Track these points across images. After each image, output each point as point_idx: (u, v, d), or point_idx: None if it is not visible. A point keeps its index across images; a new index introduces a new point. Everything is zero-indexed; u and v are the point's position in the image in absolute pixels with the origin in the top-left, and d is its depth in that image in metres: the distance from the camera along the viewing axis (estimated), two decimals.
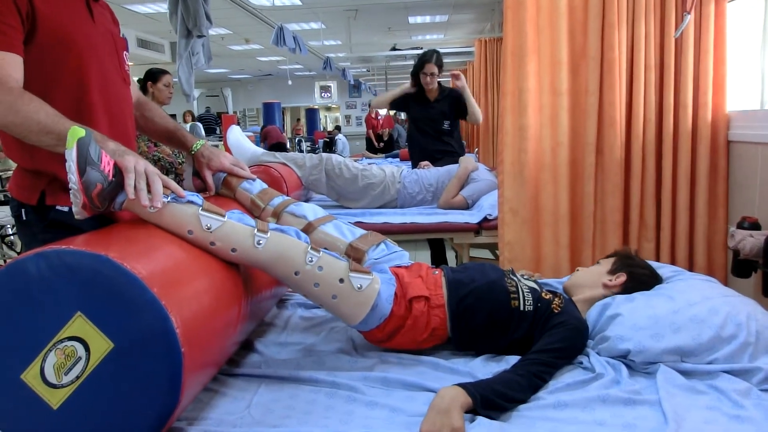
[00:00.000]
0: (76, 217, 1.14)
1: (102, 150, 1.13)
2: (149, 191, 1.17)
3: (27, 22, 1.19)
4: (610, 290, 1.50)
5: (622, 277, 1.50)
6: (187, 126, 6.95)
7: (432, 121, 3.65)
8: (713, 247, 2.12)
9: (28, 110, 1.14)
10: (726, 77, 2.07)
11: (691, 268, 2.10)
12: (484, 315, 1.39)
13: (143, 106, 1.61)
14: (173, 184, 1.23)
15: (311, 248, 1.31)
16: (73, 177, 1.08)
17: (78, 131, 1.08)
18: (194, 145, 1.60)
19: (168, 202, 1.20)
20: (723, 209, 2.11)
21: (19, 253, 4.83)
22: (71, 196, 1.12)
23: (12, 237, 4.99)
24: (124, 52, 1.46)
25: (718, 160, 2.09)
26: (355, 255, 1.52)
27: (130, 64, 1.51)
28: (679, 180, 2.11)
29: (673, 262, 2.12)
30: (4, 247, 4.96)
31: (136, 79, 1.57)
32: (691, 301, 1.35)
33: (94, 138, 1.12)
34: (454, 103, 3.62)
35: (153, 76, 3.71)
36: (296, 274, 1.29)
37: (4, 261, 4.96)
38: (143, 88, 3.73)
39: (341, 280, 1.29)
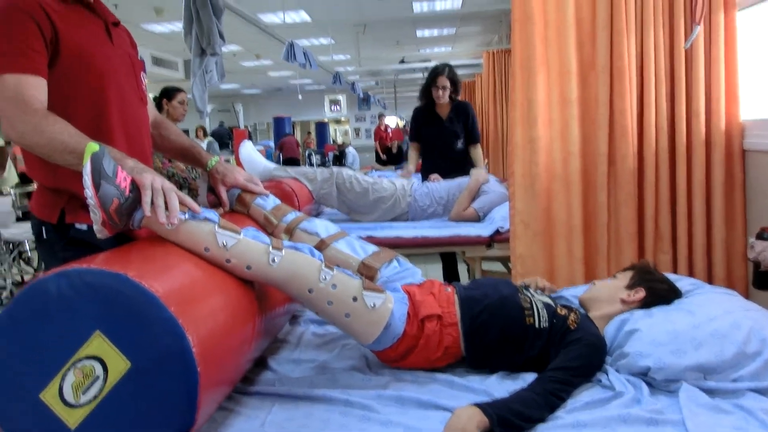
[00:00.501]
0: (98, 236, 1.16)
1: (118, 166, 1.15)
2: (166, 208, 1.19)
3: (51, 45, 1.24)
4: (628, 306, 1.47)
5: (640, 293, 1.48)
6: (203, 143, 7.02)
7: (444, 142, 3.58)
8: (732, 259, 2.09)
9: (53, 131, 1.18)
10: (738, 86, 2.06)
11: (710, 280, 2.07)
12: (498, 332, 1.38)
13: (160, 124, 1.65)
14: (189, 201, 1.25)
15: (325, 266, 1.31)
16: (89, 191, 1.10)
17: (92, 147, 1.11)
18: (209, 162, 1.62)
19: (185, 219, 1.22)
20: (741, 219, 2.08)
21: (36, 270, 4.92)
22: (90, 212, 1.14)
23: (29, 253, 5.05)
24: (142, 73, 1.50)
25: (733, 169, 2.07)
26: (367, 273, 1.52)
27: (146, 82, 1.55)
28: (694, 190, 2.09)
29: (691, 274, 2.09)
30: (22, 263, 5.02)
31: (151, 96, 1.62)
32: (711, 316, 1.33)
33: (109, 154, 1.15)
34: (466, 121, 3.57)
35: (168, 93, 3.78)
36: (310, 291, 1.29)
37: (22, 277, 5.02)
38: (158, 105, 3.80)
39: (354, 299, 1.29)
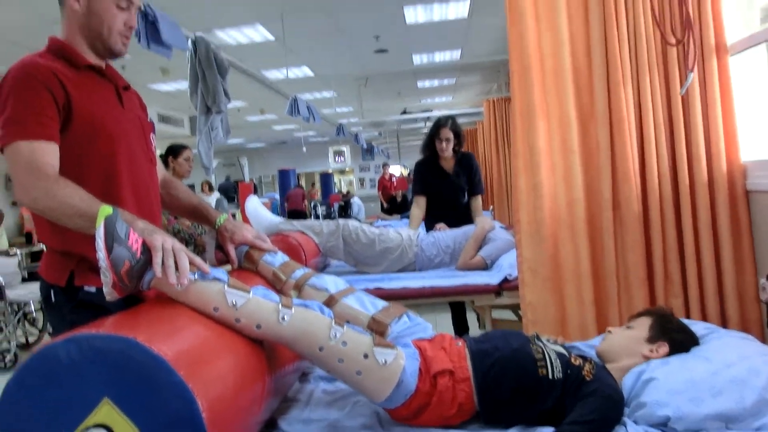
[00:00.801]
0: (107, 298, 1.17)
1: (130, 228, 1.17)
2: (176, 268, 1.19)
3: (63, 111, 1.29)
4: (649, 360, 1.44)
5: (664, 348, 1.45)
6: (210, 198, 7.10)
7: (450, 197, 3.53)
8: (745, 301, 2.06)
9: (63, 195, 1.21)
10: (736, 128, 2.08)
11: (724, 323, 2.03)
12: (511, 385, 1.35)
13: (169, 184, 1.68)
14: (199, 261, 1.26)
15: (335, 323, 1.30)
16: (101, 254, 1.11)
17: (106, 210, 1.13)
18: (218, 220, 1.64)
19: (194, 279, 1.22)
20: (750, 260, 2.06)
21: (41, 331, 4.89)
22: (101, 274, 1.15)
23: (34, 314, 5.03)
24: (151, 135, 1.54)
25: (738, 210, 2.07)
26: (377, 328, 1.50)
27: (155, 143, 1.59)
28: (701, 232, 2.08)
29: (704, 317, 2.05)
30: (26, 324, 5.00)
31: (158, 153, 1.68)
32: (728, 362, 1.30)
33: (121, 217, 1.17)
34: (470, 173, 3.51)
35: (174, 151, 3.85)
36: (320, 349, 1.28)
37: (26, 339, 4.99)
38: (164, 162, 3.86)
39: (365, 356, 1.28)
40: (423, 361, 1.37)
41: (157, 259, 1.18)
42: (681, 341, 1.46)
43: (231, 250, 1.63)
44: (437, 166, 3.53)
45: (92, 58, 1.41)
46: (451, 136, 3.41)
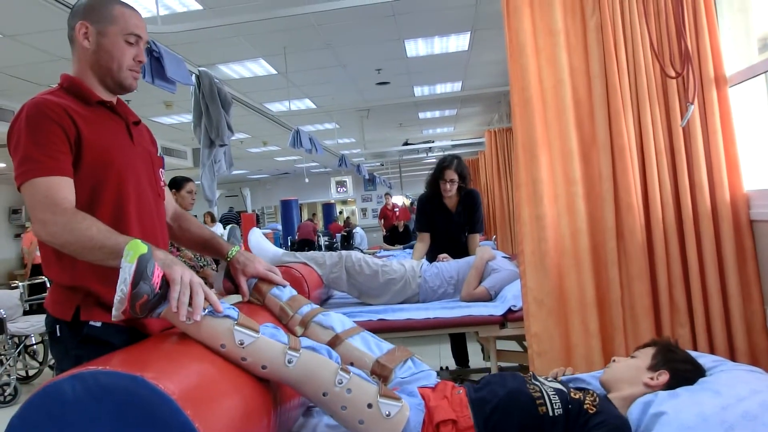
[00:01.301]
0: (112, 319, 1.17)
1: (156, 264, 1.17)
2: (190, 303, 1.20)
3: (74, 147, 1.31)
4: (651, 389, 1.43)
5: (664, 376, 1.44)
6: (214, 229, 7.12)
7: (452, 234, 3.53)
8: (752, 331, 2.05)
9: (81, 228, 1.22)
10: (738, 157, 2.10)
11: (731, 354, 2.02)
12: (515, 428, 1.33)
13: (180, 217, 1.70)
14: (213, 298, 1.26)
15: (341, 369, 1.29)
16: (124, 287, 1.12)
17: (141, 247, 1.14)
18: (230, 252, 1.64)
19: (205, 314, 1.22)
20: (757, 290, 2.05)
21: (41, 364, 4.85)
22: (115, 301, 1.15)
23: (35, 347, 4.99)
24: (161, 170, 1.56)
25: (743, 239, 2.07)
26: (381, 372, 1.49)
27: (164, 179, 1.61)
28: (706, 261, 2.08)
29: (711, 347, 2.04)
30: (27, 357, 4.96)
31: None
32: (739, 396, 1.28)
33: (153, 253, 1.17)
34: (472, 211, 3.51)
35: (177, 184, 3.87)
36: (324, 395, 1.27)
37: (26, 372, 4.94)
38: None
39: (370, 405, 1.26)
40: (426, 412, 1.35)
41: (174, 294, 1.18)
42: (684, 371, 1.45)
43: (243, 282, 1.62)
44: (441, 203, 3.53)
45: (103, 94, 1.44)
46: (455, 177, 3.41)
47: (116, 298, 1.14)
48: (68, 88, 1.40)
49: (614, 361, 1.56)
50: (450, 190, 3.43)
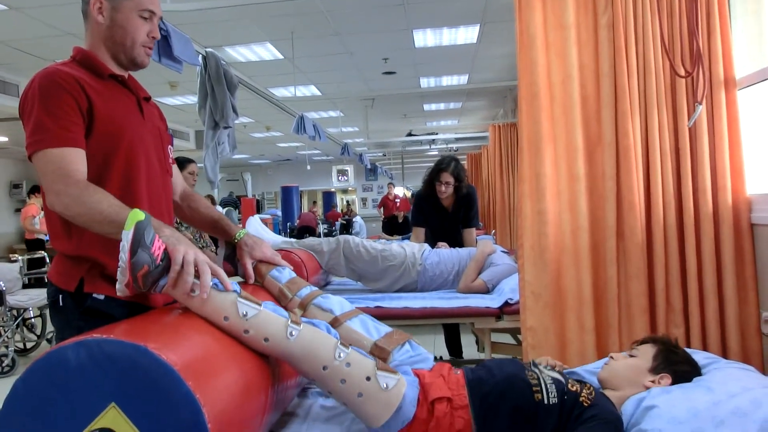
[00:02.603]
0: (117, 294, 1.18)
1: (156, 234, 1.18)
2: (197, 277, 1.21)
3: (86, 118, 1.31)
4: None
5: (666, 380, 1.45)
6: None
7: (448, 230, 3.56)
8: (746, 333, 2.06)
9: (92, 201, 1.23)
10: (743, 161, 2.10)
11: (724, 354, 2.03)
12: (508, 411, 1.35)
13: (189, 197, 1.71)
14: (222, 275, 1.27)
15: (341, 344, 1.31)
16: (124, 256, 1.13)
17: (138, 214, 1.15)
18: (237, 234, 1.65)
19: (210, 288, 1.23)
20: (753, 293, 2.07)
21: (39, 337, 4.88)
22: (118, 273, 1.17)
23: (33, 320, 5.02)
24: (169, 147, 1.56)
25: (743, 243, 2.08)
26: (380, 354, 1.50)
27: (173, 156, 1.62)
28: (704, 264, 2.09)
29: (705, 348, 2.06)
30: (25, 330, 4.99)
31: None
32: (731, 393, 1.30)
33: (151, 223, 1.18)
34: (467, 207, 3.55)
35: (179, 165, 3.86)
36: (324, 368, 1.28)
37: (24, 344, 4.97)
38: None
39: (368, 378, 1.28)
40: (421, 389, 1.37)
41: (173, 274, 1.19)
42: (684, 372, 1.46)
43: (249, 265, 1.63)
44: (437, 202, 3.56)
45: (115, 69, 1.44)
46: (451, 180, 3.43)
47: (118, 270, 1.16)
48: (81, 61, 1.40)
49: (612, 357, 1.56)
50: (445, 192, 3.46)
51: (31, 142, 1.28)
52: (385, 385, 1.28)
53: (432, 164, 3.61)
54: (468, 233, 3.61)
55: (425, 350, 1.58)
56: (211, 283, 1.23)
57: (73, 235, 1.31)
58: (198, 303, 1.22)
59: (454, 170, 3.42)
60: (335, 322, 1.54)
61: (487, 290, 2.93)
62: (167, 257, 1.20)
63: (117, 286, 1.17)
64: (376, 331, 1.56)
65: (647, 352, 1.51)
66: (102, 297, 1.31)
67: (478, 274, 2.98)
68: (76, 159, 1.27)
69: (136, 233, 1.12)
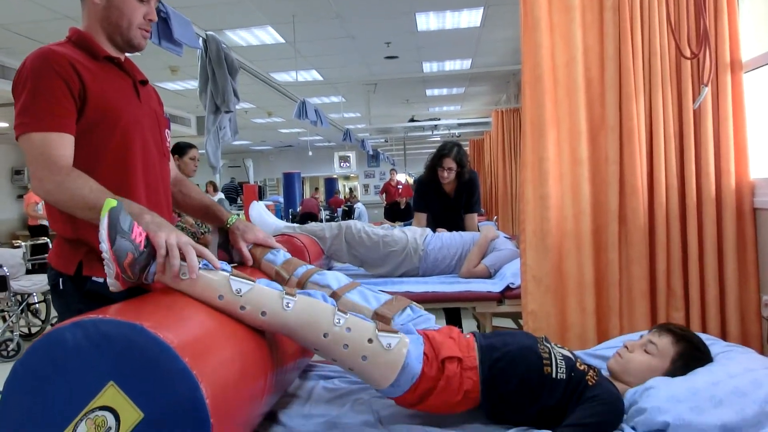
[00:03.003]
0: (111, 289, 1.18)
1: (134, 222, 1.17)
2: (183, 260, 1.20)
3: (79, 101, 1.29)
4: None
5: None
6: (215, 198, 7.14)
7: (450, 216, 3.55)
8: (746, 317, 2.06)
9: (74, 187, 1.22)
10: (747, 145, 2.08)
11: (724, 337, 2.03)
12: (517, 380, 1.36)
13: (181, 182, 1.70)
14: (208, 253, 1.26)
15: (338, 310, 1.31)
16: (104, 245, 1.12)
17: (110, 202, 1.14)
18: (230, 219, 1.65)
19: (200, 269, 1.23)
20: (754, 277, 2.06)
21: (43, 322, 4.91)
22: (105, 266, 1.16)
23: (37, 305, 5.05)
24: (166, 131, 1.55)
25: (745, 227, 2.07)
26: (381, 321, 1.51)
27: (170, 140, 1.60)
28: (706, 248, 2.08)
29: (704, 332, 2.06)
30: (30, 315, 5.02)
31: None
32: (731, 373, 1.31)
33: (127, 209, 1.17)
34: (469, 193, 3.54)
35: (180, 150, 3.87)
36: (325, 336, 1.28)
37: (29, 329, 5.00)
38: None
39: (370, 340, 1.29)
40: (430, 347, 1.37)
41: (159, 259, 1.19)
42: (697, 367, 1.43)
43: (244, 247, 1.63)
44: (439, 187, 3.55)
45: (111, 51, 1.42)
46: (453, 165, 3.42)
47: (104, 262, 1.15)
48: (76, 41, 1.38)
49: (626, 348, 1.52)
50: (447, 178, 3.45)
51: (17, 124, 1.26)
52: (387, 345, 1.29)
53: (430, 155, 3.59)
54: (470, 218, 3.60)
55: (427, 312, 1.59)
56: (199, 265, 1.22)
57: (69, 217, 1.30)
58: (190, 285, 1.22)
59: (456, 155, 3.42)
60: (334, 297, 1.54)
61: (489, 275, 2.93)
62: (151, 244, 1.19)
63: (108, 280, 1.16)
64: (376, 300, 1.56)
65: (667, 351, 1.46)
66: (101, 280, 1.30)
67: (480, 259, 2.98)
68: (62, 144, 1.26)
69: (110, 220, 1.11)
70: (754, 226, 2.07)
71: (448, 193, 3.56)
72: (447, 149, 3.45)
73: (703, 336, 1.57)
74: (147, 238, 1.19)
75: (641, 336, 1.55)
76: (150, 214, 1.26)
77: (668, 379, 1.36)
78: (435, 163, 3.48)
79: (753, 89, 2.16)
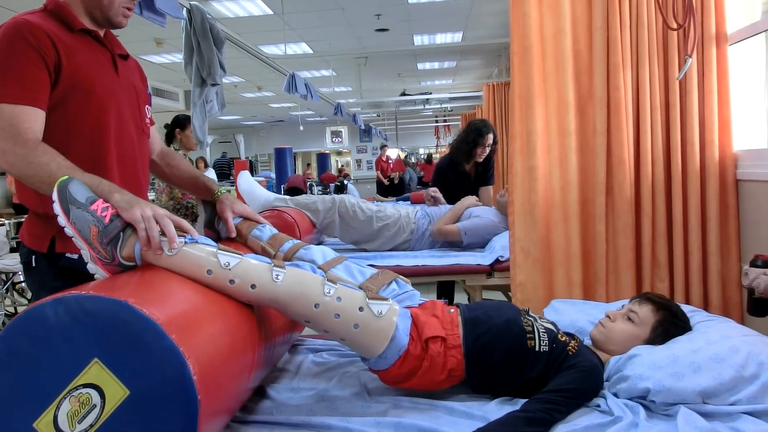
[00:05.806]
0: (91, 272, 1.16)
1: (97, 197, 1.15)
2: (163, 234, 1.18)
3: (53, 73, 1.26)
4: None
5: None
6: (211, 174, 7.10)
7: (467, 193, 3.53)
8: (728, 286, 2.10)
9: (40, 162, 1.19)
10: (731, 117, 2.09)
11: (706, 307, 2.08)
12: (501, 354, 1.38)
13: (167, 156, 1.68)
14: (186, 225, 1.24)
15: (328, 281, 1.31)
16: (61, 219, 1.11)
17: (62, 178, 1.12)
18: (218, 191, 1.63)
19: (185, 243, 1.21)
20: (735, 247, 2.09)
21: (29, 301, 4.88)
22: (81, 250, 1.14)
23: (23, 284, 5.03)
24: (147, 107, 1.52)
25: (727, 198, 2.09)
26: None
27: (150, 115, 1.57)
28: (690, 218, 2.11)
29: (687, 301, 2.09)
30: (15, 294, 5.00)
31: (162, 125, 1.66)
32: (710, 340, 1.33)
33: (81, 182, 1.15)
34: (486, 167, 3.62)
35: (180, 123, 3.83)
36: (316, 306, 1.28)
37: (15, 309, 4.98)
38: (171, 134, 3.83)
39: (361, 308, 1.30)
40: (414, 327, 1.39)
41: (141, 233, 1.16)
42: (676, 335, 1.45)
43: (230, 218, 1.60)
44: (461, 170, 3.59)
45: (88, 24, 1.38)
46: (491, 140, 3.47)
47: (74, 242, 1.13)
48: (52, 11, 1.34)
49: (608, 317, 1.53)
50: (483, 154, 3.50)
51: None
52: (378, 312, 1.30)
53: (463, 138, 3.56)
54: (484, 192, 3.64)
55: (412, 287, 1.60)
56: (178, 237, 1.20)
57: (40, 193, 1.25)
58: (178, 261, 1.20)
59: (493, 132, 3.49)
60: None
61: (459, 237, 2.94)
62: (120, 218, 1.16)
63: (88, 265, 1.14)
64: (361, 274, 1.56)
65: (647, 319, 1.47)
66: (76, 256, 1.28)
67: (453, 221, 3.01)
68: (31, 117, 1.22)
69: (60, 192, 1.09)
70: (736, 197, 2.09)
71: (468, 173, 3.61)
72: (487, 127, 3.49)
73: (685, 307, 1.59)
74: (117, 215, 1.17)
75: (622, 306, 1.57)
76: (120, 192, 1.21)
77: (651, 348, 1.38)
78: (476, 142, 3.47)
79: (738, 62, 2.15)
